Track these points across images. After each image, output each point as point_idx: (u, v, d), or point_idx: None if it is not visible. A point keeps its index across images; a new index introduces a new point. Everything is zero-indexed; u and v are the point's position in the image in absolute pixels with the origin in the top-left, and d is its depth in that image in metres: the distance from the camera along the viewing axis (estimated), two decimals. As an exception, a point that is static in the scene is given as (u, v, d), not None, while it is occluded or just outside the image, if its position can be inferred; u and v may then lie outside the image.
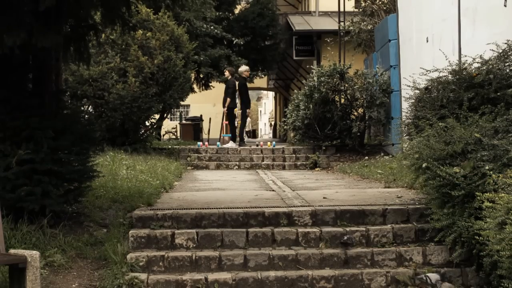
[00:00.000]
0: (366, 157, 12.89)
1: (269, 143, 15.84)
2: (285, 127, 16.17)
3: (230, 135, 16.08)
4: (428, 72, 8.14)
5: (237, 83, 16.07)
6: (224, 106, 15.86)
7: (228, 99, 15.77)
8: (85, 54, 7.18)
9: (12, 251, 5.18)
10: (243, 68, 16.36)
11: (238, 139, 15.93)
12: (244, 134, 16.58)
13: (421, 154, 6.39)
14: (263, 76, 28.82)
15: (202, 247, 6.26)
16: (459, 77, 7.60)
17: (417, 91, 8.28)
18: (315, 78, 13.75)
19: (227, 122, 16.16)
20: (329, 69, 13.61)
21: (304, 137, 14.42)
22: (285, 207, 6.92)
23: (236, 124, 16.22)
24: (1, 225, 5.10)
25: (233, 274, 5.85)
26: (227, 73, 16.16)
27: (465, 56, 8.16)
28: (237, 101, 15.92)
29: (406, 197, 7.51)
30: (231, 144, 15.50)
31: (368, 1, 17.88)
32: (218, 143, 15.68)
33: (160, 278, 5.77)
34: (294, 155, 14.06)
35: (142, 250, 6.18)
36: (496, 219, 4.85)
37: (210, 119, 22.13)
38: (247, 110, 16.32)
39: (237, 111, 16.09)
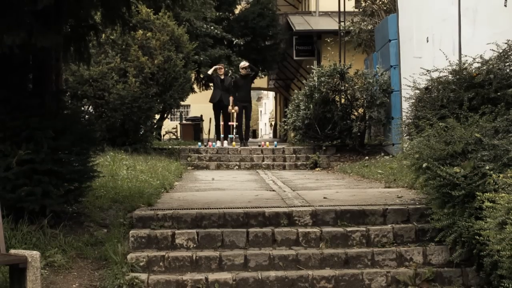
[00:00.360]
0: (367, 157, 12.89)
1: (268, 143, 15.85)
2: (286, 127, 16.16)
3: (232, 135, 16.09)
4: (429, 72, 8.14)
5: (231, 80, 16.23)
6: (228, 104, 15.80)
7: (231, 98, 15.75)
8: (85, 54, 7.18)
9: (12, 251, 5.19)
10: (240, 65, 16.36)
11: (229, 139, 15.93)
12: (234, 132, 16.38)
13: (421, 154, 6.38)
14: (263, 76, 28.84)
15: (203, 247, 6.25)
16: (459, 77, 7.60)
17: (417, 91, 8.28)
18: (315, 78, 13.75)
19: (232, 123, 16.14)
20: (329, 69, 13.60)
21: (304, 137, 14.41)
22: (286, 207, 6.92)
23: (229, 123, 16.15)
24: (2, 225, 5.10)
25: (234, 274, 5.84)
26: (222, 71, 16.05)
27: (465, 56, 8.16)
28: (230, 99, 15.84)
29: (407, 197, 7.51)
30: (219, 144, 15.55)
31: (368, 1, 17.88)
32: (214, 143, 15.68)
33: (160, 278, 5.77)
34: (294, 155, 14.05)
35: (143, 250, 6.18)
36: (496, 219, 4.84)
37: (210, 119, 22.13)
38: (233, 107, 15.89)
39: (231, 110, 15.93)
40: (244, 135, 16.15)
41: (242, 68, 15.82)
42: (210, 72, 16.42)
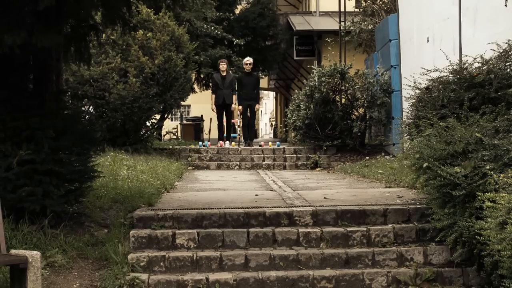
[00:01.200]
0: (367, 157, 12.88)
1: (270, 143, 15.82)
2: (285, 128, 16.13)
3: (236, 134, 15.98)
4: (429, 72, 8.14)
5: (232, 77, 15.77)
6: (231, 103, 15.44)
7: (234, 96, 15.47)
8: (86, 54, 7.18)
9: (13, 251, 5.19)
10: (244, 60, 16.13)
11: (230, 139, 15.79)
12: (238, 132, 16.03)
13: (422, 154, 6.38)
14: (263, 76, 28.84)
15: (203, 247, 6.25)
16: (459, 77, 7.60)
17: (418, 91, 8.28)
18: (316, 78, 13.74)
19: (235, 121, 15.96)
20: (330, 69, 13.60)
21: (305, 137, 14.41)
22: (286, 207, 6.92)
23: (232, 121, 15.94)
24: (2, 226, 5.10)
25: (234, 274, 5.85)
26: (224, 66, 15.56)
27: (466, 55, 8.16)
28: (234, 97, 15.51)
29: (407, 197, 7.50)
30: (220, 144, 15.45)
31: (369, 1, 17.89)
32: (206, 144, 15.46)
33: (161, 278, 5.77)
34: (295, 155, 14.05)
35: (143, 250, 6.18)
36: (497, 219, 4.84)
37: (211, 119, 22.13)
38: (237, 107, 15.61)
39: (235, 108, 15.69)
40: (248, 134, 15.85)
41: (246, 64, 15.69)
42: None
